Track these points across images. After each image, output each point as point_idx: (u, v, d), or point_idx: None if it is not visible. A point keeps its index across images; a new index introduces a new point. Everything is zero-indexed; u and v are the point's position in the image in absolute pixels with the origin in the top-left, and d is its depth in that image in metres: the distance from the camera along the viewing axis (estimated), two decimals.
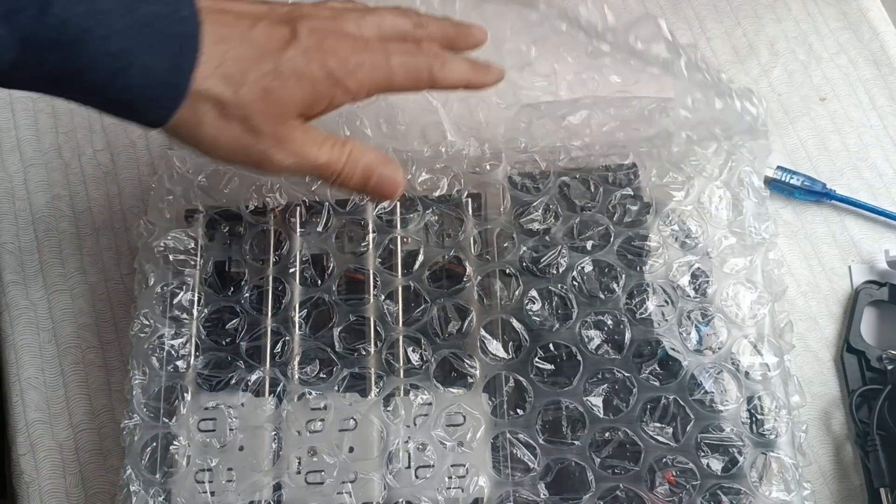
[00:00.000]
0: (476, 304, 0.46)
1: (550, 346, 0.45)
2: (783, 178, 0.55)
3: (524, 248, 0.47)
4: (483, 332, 0.45)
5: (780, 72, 0.60)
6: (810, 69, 0.60)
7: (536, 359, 0.45)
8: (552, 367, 0.45)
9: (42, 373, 0.52)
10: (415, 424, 0.44)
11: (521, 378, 0.44)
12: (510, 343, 0.45)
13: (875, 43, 0.60)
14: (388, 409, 0.44)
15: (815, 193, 0.55)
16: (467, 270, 0.47)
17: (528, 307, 0.45)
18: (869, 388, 0.50)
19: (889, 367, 0.50)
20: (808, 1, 0.62)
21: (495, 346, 0.45)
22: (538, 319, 0.45)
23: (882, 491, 0.47)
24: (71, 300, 0.54)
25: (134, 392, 0.45)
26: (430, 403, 0.44)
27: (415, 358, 0.45)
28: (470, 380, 0.45)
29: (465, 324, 0.46)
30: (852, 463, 0.50)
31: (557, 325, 0.45)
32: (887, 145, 0.58)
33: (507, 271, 0.47)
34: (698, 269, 0.46)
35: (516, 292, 0.46)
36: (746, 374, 0.44)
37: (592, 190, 0.48)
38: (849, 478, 0.50)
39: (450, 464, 0.43)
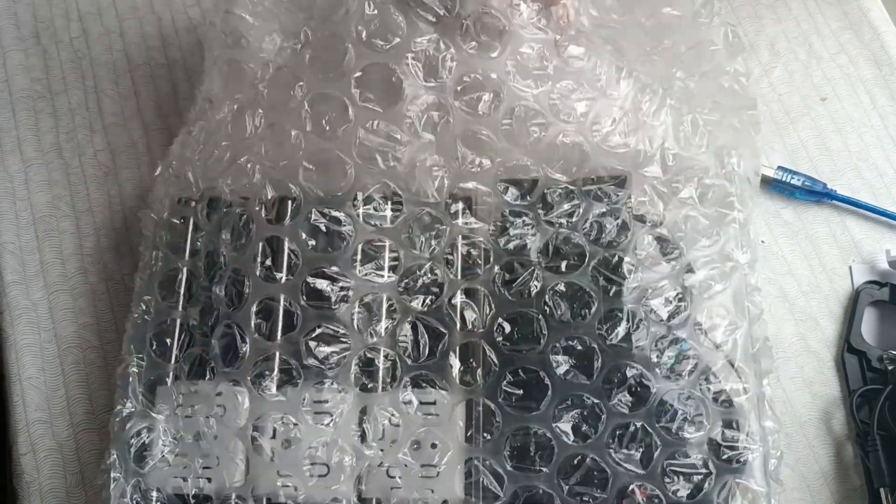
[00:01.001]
0: (448, 326, 0.45)
1: (520, 370, 0.44)
2: (784, 178, 0.55)
3: (497, 268, 0.45)
4: (453, 356, 0.44)
5: (780, 72, 0.60)
6: (811, 69, 0.60)
7: (505, 383, 0.44)
8: (521, 391, 0.44)
9: (43, 373, 0.52)
10: (390, 423, 0.44)
11: (489, 403, 0.43)
12: (479, 368, 0.44)
13: (876, 43, 0.60)
14: (360, 423, 0.44)
15: (816, 193, 0.55)
16: (444, 290, 0.45)
17: (498, 331, 0.44)
18: (869, 389, 0.50)
19: (890, 368, 0.50)
20: (808, 1, 0.62)
21: (465, 371, 0.44)
22: (508, 344, 0.44)
23: (882, 491, 0.47)
24: (72, 300, 0.54)
25: (130, 380, 0.46)
26: (397, 425, 0.44)
27: (385, 371, 0.45)
28: (440, 403, 0.44)
29: (438, 345, 0.45)
30: (853, 463, 0.50)
31: (527, 350, 0.44)
32: (888, 145, 0.58)
33: (480, 292, 0.45)
34: (674, 293, 0.45)
35: (488, 316, 0.45)
36: (715, 399, 0.44)
37: (574, 204, 0.47)
38: (849, 478, 0.50)
39: (418, 485, 0.43)
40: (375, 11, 0.44)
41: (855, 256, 0.55)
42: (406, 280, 0.45)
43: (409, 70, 0.45)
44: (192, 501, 0.44)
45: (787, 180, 0.55)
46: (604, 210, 0.46)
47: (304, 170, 0.46)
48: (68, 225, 0.56)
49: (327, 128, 0.45)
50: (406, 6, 0.44)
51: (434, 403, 0.44)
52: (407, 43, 0.44)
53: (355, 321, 0.45)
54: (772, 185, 0.55)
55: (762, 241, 0.55)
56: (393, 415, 0.44)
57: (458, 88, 0.45)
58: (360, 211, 0.46)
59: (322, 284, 0.45)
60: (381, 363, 0.44)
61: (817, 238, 0.55)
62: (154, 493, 0.44)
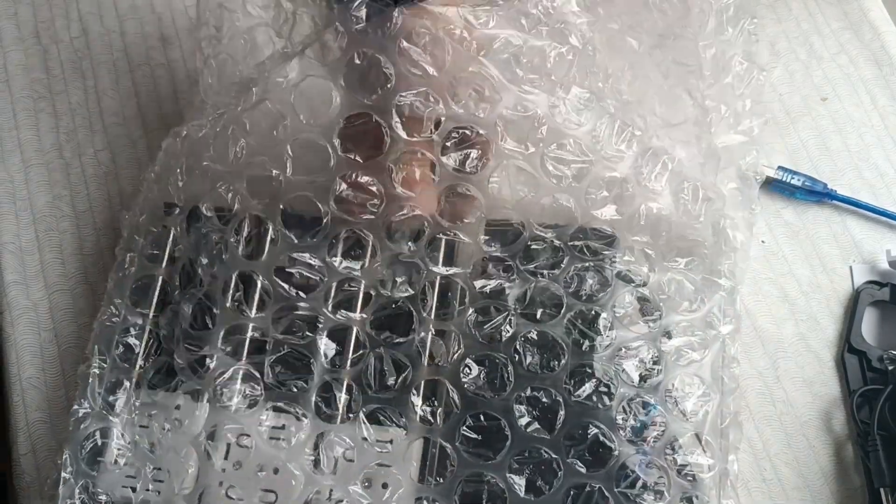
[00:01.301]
0: (414, 360, 0.44)
1: (481, 416, 0.43)
2: (784, 179, 0.55)
3: (472, 310, 0.45)
4: (414, 393, 0.44)
5: (780, 72, 0.60)
6: (811, 69, 0.60)
7: (465, 427, 0.43)
8: (479, 437, 0.43)
9: (43, 373, 0.52)
10: (334, 473, 0.43)
11: (446, 445, 0.42)
12: (441, 408, 0.43)
13: (876, 43, 0.60)
14: (315, 452, 0.43)
15: (817, 193, 0.55)
16: (414, 324, 0.45)
17: (464, 372, 0.44)
18: (870, 389, 0.50)
19: (890, 368, 0.50)
20: (808, 1, 0.62)
21: (425, 409, 0.43)
22: (472, 387, 0.43)
23: (882, 491, 0.47)
24: (72, 300, 0.54)
25: (90, 380, 0.46)
26: (351, 460, 0.43)
27: (345, 402, 0.44)
28: (396, 441, 0.43)
29: (400, 379, 0.44)
30: (853, 463, 0.50)
31: (491, 395, 0.43)
32: (888, 145, 0.58)
33: (451, 332, 0.45)
34: (649, 356, 0.44)
35: (455, 355, 0.44)
36: (679, 471, 0.42)
37: (558, 255, 0.46)
38: (849, 478, 0.50)
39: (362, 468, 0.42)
40: (364, 63, 0.43)
41: (855, 256, 0.55)
42: (377, 315, 0.45)
43: (394, 122, 0.43)
44: None
45: (788, 180, 0.55)
46: (587, 265, 0.45)
47: (283, 212, 0.46)
48: (69, 225, 0.56)
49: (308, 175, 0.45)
50: (396, 58, 0.42)
51: (391, 442, 0.43)
52: (394, 94, 0.43)
53: (322, 350, 0.45)
54: (772, 185, 0.55)
55: (762, 241, 0.55)
56: (348, 448, 0.43)
57: (447, 144, 0.44)
58: (337, 260, 0.46)
59: (291, 320, 0.45)
60: (342, 393, 0.44)
61: (818, 238, 0.55)
62: (102, 498, 0.44)
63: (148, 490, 0.44)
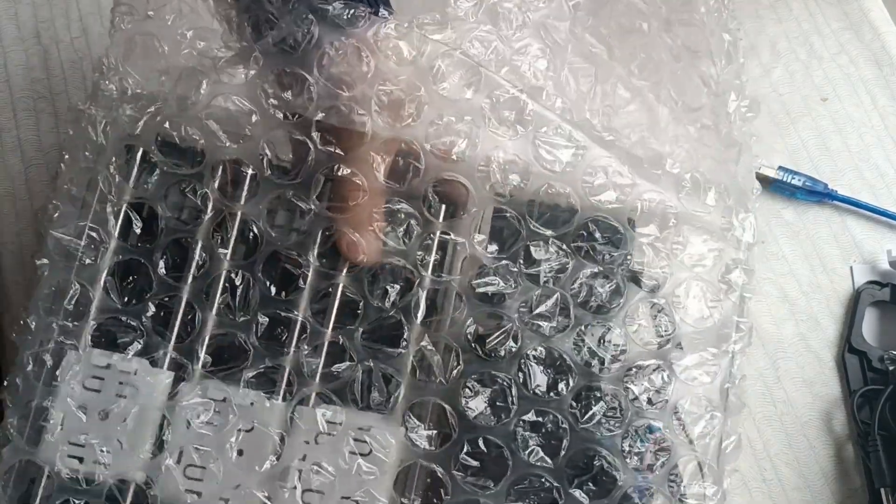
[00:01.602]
0: (408, 377, 0.41)
1: (480, 440, 0.40)
2: (784, 179, 0.55)
3: (471, 320, 0.41)
4: (409, 412, 0.40)
5: (781, 72, 0.60)
6: (811, 69, 0.60)
7: (463, 453, 0.40)
8: (478, 464, 0.40)
9: None
10: (315, 442, 0.40)
11: (441, 471, 0.39)
12: (436, 431, 0.40)
13: (876, 43, 0.60)
14: (294, 418, 0.40)
15: (817, 194, 0.55)
16: (405, 334, 0.41)
17: (464, 394, 0.40)
18: (870, 389, 0.50)
19: (890, 368, 0.50)
20: (809, 1, 0.62)
21: (420, 433, 0.40)
22: (472, 411, 0.40)
23: (883, 491, 0.47)
24: None
25: (23, 343, 0.42)
26: (339, 423, 0.40)
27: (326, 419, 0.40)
28: (379, 461, 0.40)
29: (391, 397, 0.40)
30: (853, 463, 0.50)
31: (493, 421, 0.40)
32: (889, 145, 0.58)
33: (450, 346, 0.41)
34: (659, 377, 0.41)
35: (454, 371, 0.40)
36: (681, 501, 0.40)
37: (562, 262, 0.42)
38: (850, 478, 0.50)
39: (340, 496, 0.39)
40: (341, 52, 0.40)
41: (856, 256, 0.55)
42: (367, 326, 0.42)
43: (375, 112, 0.41)
44: (84, 486, 0.39)
45: (788, 180, 0.55)
46: (595, 270, 0.42)
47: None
48: None
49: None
50: (375, 51, 0.40)
51: (371, 458, 0.40)
52: (373, 85, 0.41)
53: (302, 361, 0.41)
54: (772, 186, 0.55)
55: (762, 242, 0.55)
56: (327, 468, 0.40)
57: (431, 130, 0.41)
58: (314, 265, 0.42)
59: (287, 272, 0.42)
60: (320, 409, 0.40)
61: (818, 238, 0.55)
62: (46, 470, 0.39)
63: (96, 462, 0.39)
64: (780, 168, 0.55)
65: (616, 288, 0.42)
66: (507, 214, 0.42)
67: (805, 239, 0.55)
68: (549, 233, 0.42)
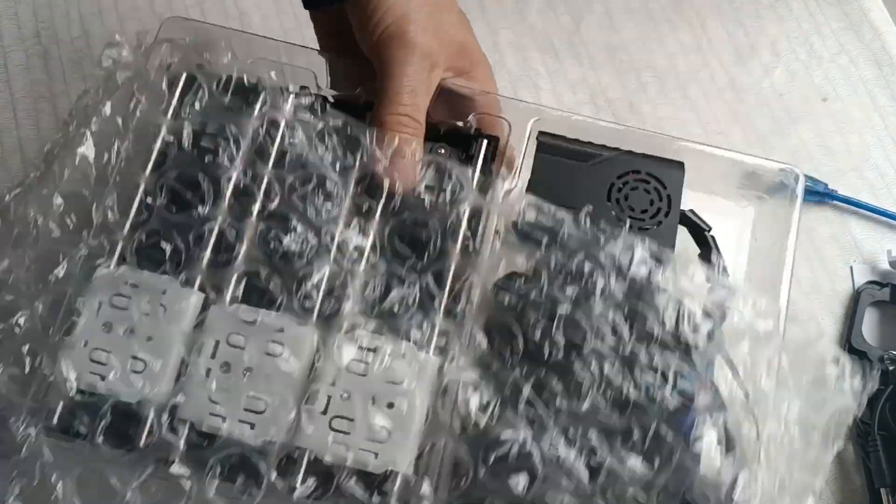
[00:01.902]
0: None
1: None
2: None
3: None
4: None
5: (781, 72, 0.60)
6: (812, 69, 0.60)
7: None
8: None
9: None
10: (347, 369, 0.38)
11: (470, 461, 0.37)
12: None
13: (877, 43, 0.60)
14: (326, 343, 0.39)
15: (817, 194, 0.55)
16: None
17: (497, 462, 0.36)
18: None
19: (891, 368, 0.50)
20: (809, 1, 0.62)
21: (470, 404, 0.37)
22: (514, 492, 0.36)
23: (883, 491, 0.47)
24: None
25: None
26: (372, 349, 0.38)
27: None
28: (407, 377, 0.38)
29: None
30: (853, 463, 0.50)
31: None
32: (889, 145, 0.58)
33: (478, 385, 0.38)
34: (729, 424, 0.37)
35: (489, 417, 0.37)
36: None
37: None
38: (850, 478, 0.50)
39: (369, 423, 0.37)
40: None
41: (856, 256, 0.55)
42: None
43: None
44: (105, 405, 0.38)
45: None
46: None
47: None
48: None
49: None
50: None
51: (404, 356, 0.38)
52: None
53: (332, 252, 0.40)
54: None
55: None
56: (356, 361, 0.38)
57: None
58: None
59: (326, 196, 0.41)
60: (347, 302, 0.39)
61: (818, 238, 0.55)
62: (71, 384, 0.38)
63: (118, 380, 0.38)
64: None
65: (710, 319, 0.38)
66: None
67: (805, 239, 0.55)
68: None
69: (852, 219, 0.55)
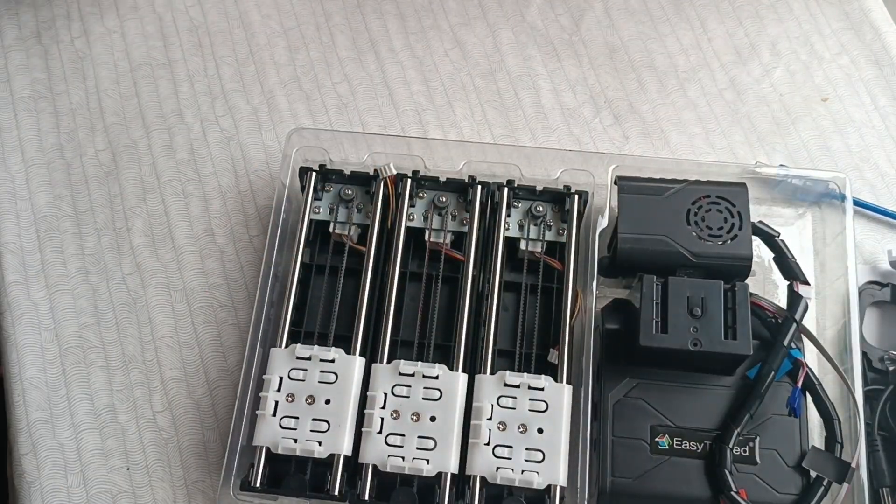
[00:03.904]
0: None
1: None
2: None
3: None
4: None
5: (781, 72, 0.60)
6: (812, 69, 0.60)
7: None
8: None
9: (44, 373, 0.52)
10: (498, 404, 0.45)
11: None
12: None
13: (877, 43, 0.60)
14: (476, 384, 0.46)
15: (817, 194, 0.55)
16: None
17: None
18: (870, 389, 0.49)
19: (891, 368, 0.50)
20: (809, 1, 0.62)
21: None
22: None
23: (882, 491, 0.47)
24: (73, 300, 0.54)
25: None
26: (516, 385, 0.46)
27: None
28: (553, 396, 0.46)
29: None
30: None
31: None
32: (889, 145, 0.58)
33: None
34: None
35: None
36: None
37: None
38: None
39: (526, 447, 0.45)
40: None
41: (857, 256, 0.54)
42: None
43: None
44: (297, 462, 0.46)
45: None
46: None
47: None
48: (69, 225, 0.56)
49: None
50: None
51: (543, 389, 0.46)
52: None
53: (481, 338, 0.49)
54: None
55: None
56: (504, 397, 0.46)
57: None
58: None
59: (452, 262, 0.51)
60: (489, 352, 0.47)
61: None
62: (264, 449, 0.46)
63: (308, 441, 0.45)
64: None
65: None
66: None
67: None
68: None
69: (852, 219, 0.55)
